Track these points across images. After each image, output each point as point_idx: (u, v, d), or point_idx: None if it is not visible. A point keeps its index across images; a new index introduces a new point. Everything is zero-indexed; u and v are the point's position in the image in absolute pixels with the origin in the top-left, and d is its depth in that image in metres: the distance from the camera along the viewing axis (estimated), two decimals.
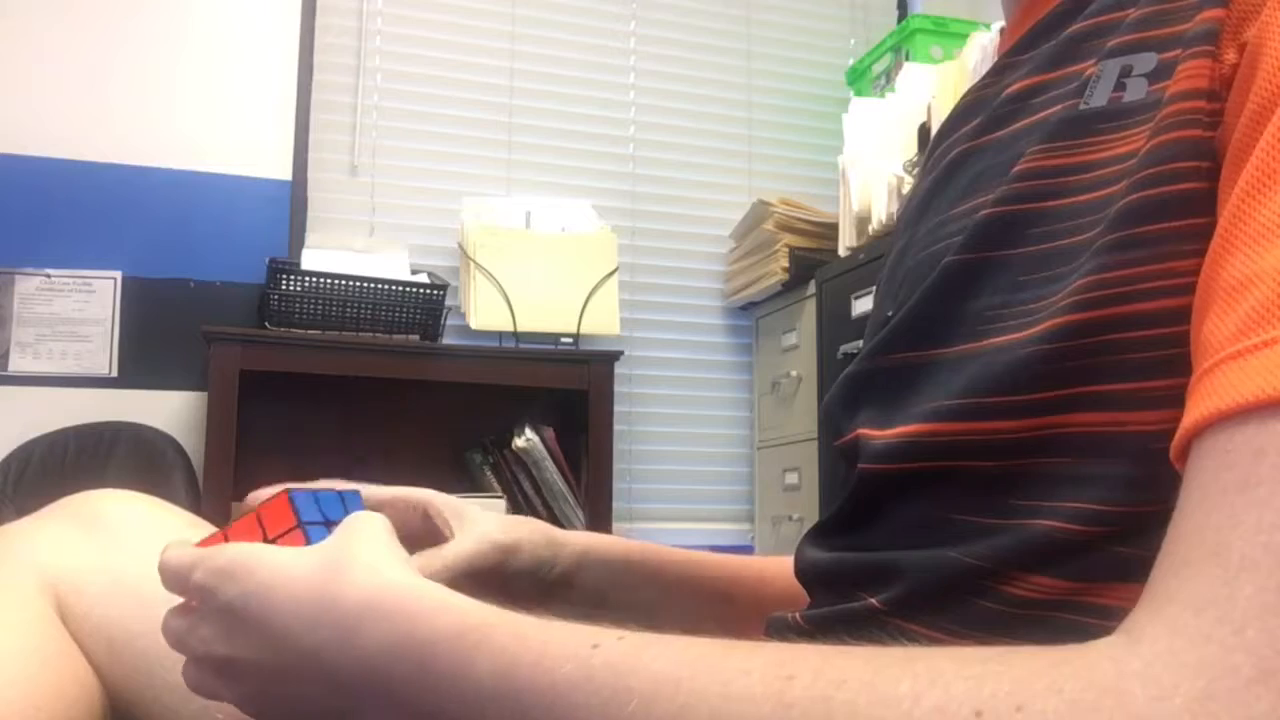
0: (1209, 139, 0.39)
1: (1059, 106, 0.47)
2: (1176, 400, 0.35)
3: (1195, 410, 0.33)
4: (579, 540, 0.67)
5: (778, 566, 0.71)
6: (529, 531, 0.65)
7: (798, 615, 0.53)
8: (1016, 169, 0.47)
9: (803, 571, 0.57)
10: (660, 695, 0.34)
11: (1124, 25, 0.46)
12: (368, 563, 0.45)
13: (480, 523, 0.64)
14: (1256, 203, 0.34)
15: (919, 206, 0.58)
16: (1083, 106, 0.45)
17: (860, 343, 2.39)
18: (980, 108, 0.55)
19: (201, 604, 0.49)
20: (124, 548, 0.70)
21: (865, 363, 0.53)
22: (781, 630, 0.54)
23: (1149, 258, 0.39)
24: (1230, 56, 0.39)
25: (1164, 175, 0.40)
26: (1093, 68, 0.46)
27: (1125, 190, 0.41)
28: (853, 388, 0.54)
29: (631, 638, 0.37)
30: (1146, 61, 0.44)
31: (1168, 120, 0.40)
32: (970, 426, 0.44)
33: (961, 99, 0.60)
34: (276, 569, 0.47)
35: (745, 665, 0.34)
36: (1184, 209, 0.39)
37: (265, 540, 0.52)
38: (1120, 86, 0.44)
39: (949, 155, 0.55)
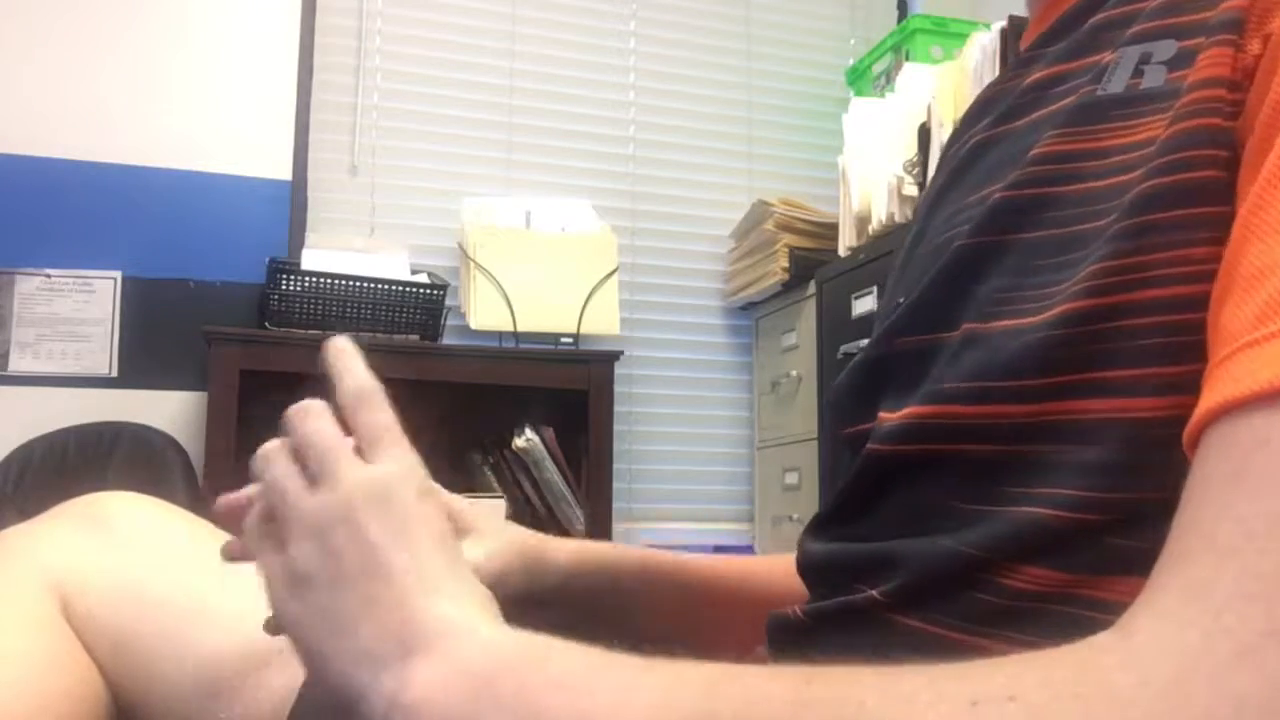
0: (1229, 128, 0.39)
1: (1077, 94, 0.47)
2: (1180, 387, 0.36)
3: (1208, 398, 0.33)
4: (564, 561, 0.67)
5: (766, 565, 0.71)
6: (515, 558, 0.65)
7: (799, 610, 0.53)
8: (1031, 153, 0.47)
9: (802, 565, 0.57)
10: (694, 700, 0.35)
11: (1144, 13, 0.46)
12: (484, 609, 0.43)
13: (470, 550, 0.63)
14: (1277, 192, 0.34)
15: (934, 198, 0.58)
16: (1100, 92, 0.45)
17: (862, 342, 2.37)
18: (1000, 100, 0.55)
19: (328, 501, 0.44)
20: (128, 549, 0.70)
21: (878, 349, 0.53)
22: (783, 626, 0.54)
23: (1162, 244, 0.39)
24: (1254, 46, 0.39)
25: (1181, 162, 0.39)
26: (1111, 55, 0.46)
27: (1142, 177, 0.41)
28: (867, 374, 0.54)
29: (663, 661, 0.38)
30: (1166, 49, 0.44)
31: (1187, 108, 0.40)
32: (975, 410, 0.44)
33: (981, 93, 0.60)
34: (418, 521, 0.44)
35: (770, 672, 0.35)
36: (1200, 197, 0.39)
37: None
38: (1138, 73, 0.44)
39: (966, 146, 0.56)
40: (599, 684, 0.36)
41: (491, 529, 0.65)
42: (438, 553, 0.43)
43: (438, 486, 0.60)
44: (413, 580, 0.42)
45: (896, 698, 0.31)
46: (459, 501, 0.65)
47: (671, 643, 0.75)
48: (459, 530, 0.63)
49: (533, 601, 0.65)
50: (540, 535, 0.69)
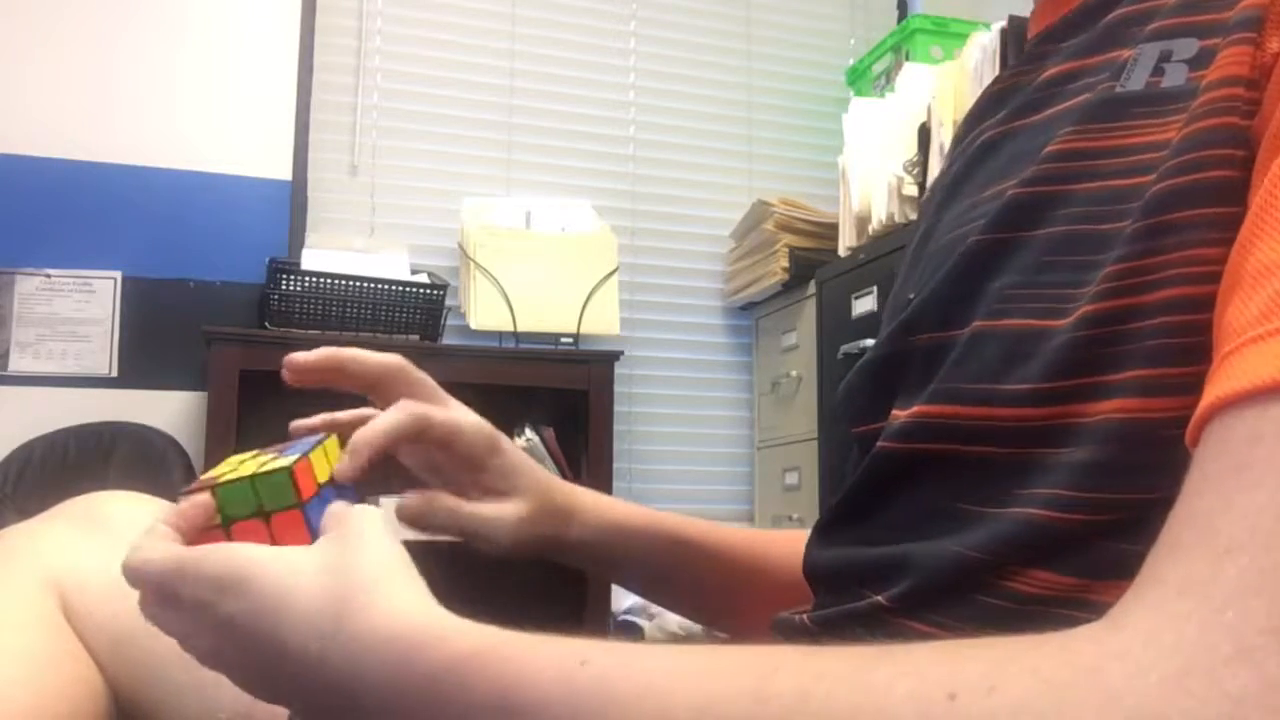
0: (1245, 127, 0.38)
1: (1094, 91, 0.46)
2: (1189, 388, 0.35)
3: (1209, 394, 0.32)
4: (588, 519, 0.68)
5: (783, 540, 0.71)
6: (547, 515, 0.66)
7: (805, 617, 0.53)
8: (1046, 150, 0.46)
9: (808, 571, 0.56)
10: (646, 698, 0.34)
11: (1164, 10, 0.45)
12: (376, 590, 0.44)
13: (510, 508, 0.65)
14: None
15: (945, 193, 0.57)
16: (1119, 89, 0.45)
17: (863, 342, 2.35)
18: (1013, 94, 0.55)
19: (196, 616, 0.46)
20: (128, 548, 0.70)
21: (889, 345, 0.53)
22: (789, 632, 0.54)
23: (1176, 244, 0.39)
24: (1273, 45, 0.39)
25: (1196, 162, 0.39)
26: (1130, 52, 0.46)
27: (1158, 178, 0.40)
28: (878, 372, 0.53)
29: (621, 649, 0.37)
30: (1187, 47, 0.43)
31: (1204, 107, 0.40)
32: (983, 411, 0.44)
33: (991, 85, 0.59)
34: (280, 583, 0.44)
35: (729, 664, 0.34)
36: (1215, 196, 0.38)
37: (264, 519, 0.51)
38: (1159, 71, 0.44)
39: (978, 141, 0.55)
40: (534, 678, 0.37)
41: (528, 487, 0.66)
42: (319, 595, 0.44)
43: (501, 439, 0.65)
44: (305, 632, 0.43)
45: (868, 688, 0.30)
46: (510, 451, 0.66)
47: (693, 611, 0.76)
48: (498, 491, 0.64)
49: (560, 548, 0.67)
50: (574, 491, 0.69)
